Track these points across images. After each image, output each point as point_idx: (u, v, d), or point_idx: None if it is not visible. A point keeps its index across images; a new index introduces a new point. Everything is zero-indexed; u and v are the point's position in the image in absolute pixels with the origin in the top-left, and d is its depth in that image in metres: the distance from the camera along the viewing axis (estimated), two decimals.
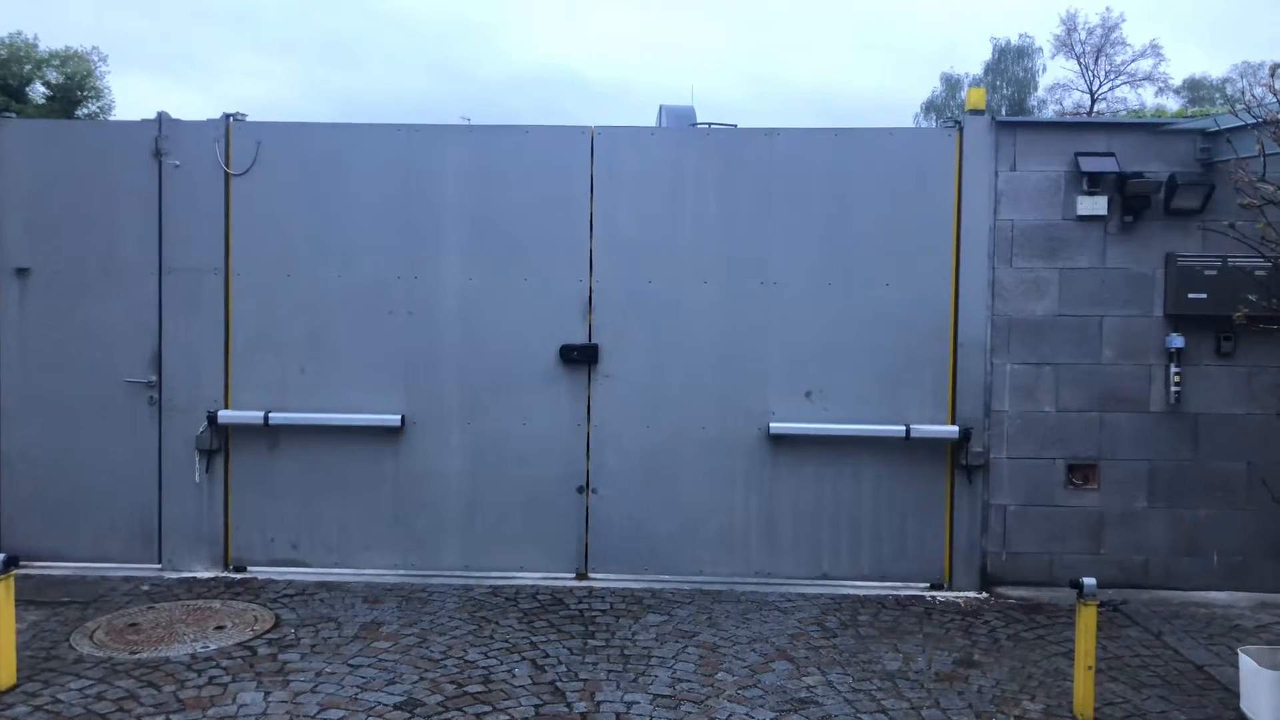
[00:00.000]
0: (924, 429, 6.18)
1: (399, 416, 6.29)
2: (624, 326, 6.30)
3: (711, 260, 6.28)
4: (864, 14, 66.34)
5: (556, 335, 6.29)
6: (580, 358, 6.27)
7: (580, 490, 6.33)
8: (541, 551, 6.37)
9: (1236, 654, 4.57)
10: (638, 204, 6.29)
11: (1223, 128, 5.93)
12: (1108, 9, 50.34)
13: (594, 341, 6.28)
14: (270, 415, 6.27)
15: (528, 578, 6.31)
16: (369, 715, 4.31)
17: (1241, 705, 4.47)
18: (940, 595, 6.19)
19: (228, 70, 61.29)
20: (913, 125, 38.14)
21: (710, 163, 6.28)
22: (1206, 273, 6.09)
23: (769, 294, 6.26)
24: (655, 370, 6.30)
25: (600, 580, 6.30)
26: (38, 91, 31.35)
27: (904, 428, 6.16)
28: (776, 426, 6.21)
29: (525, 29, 69.57)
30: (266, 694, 4.51)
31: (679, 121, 7.20)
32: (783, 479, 6.30)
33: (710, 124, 6.49)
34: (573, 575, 6.35)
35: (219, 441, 6.35)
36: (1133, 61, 47.57)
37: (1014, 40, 48.73)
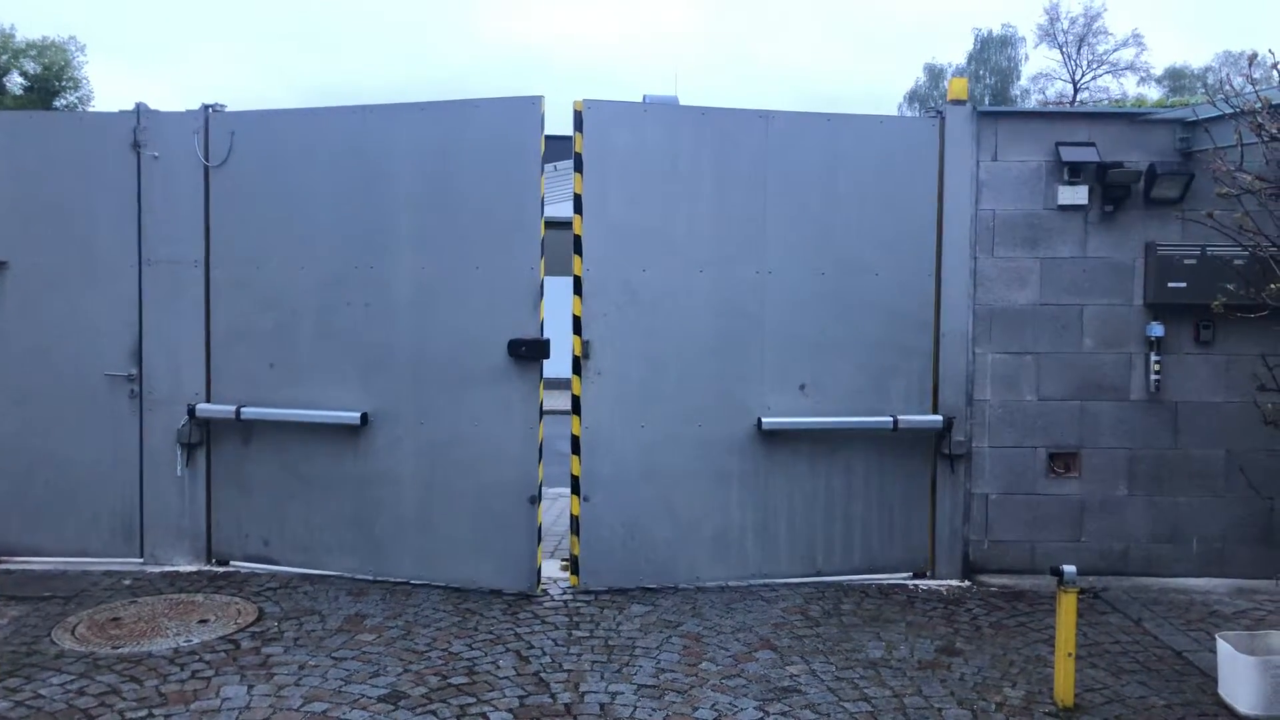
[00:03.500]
0: (911, 419, 6.16)
1: (359, 414, 6.02)
2: (618, 319, 5.92)
3: (707, 247, 5.99)
4: (851, 3, 66.53)
5: (508, 329, 5.83)
6: (529, 353, 5.81)
7: (532, 501, 5.90)
8: (495, 564, 5.94)
9: (1215, 640, 4.61)
10: (629, 185, 5.92)
11: (1201, 118, 5.98)
12: None
13: (585, 337, 5.90)
14: (242, 410, 6.16)
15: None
16: (353, 707, 4.30)
17: (1219, 690, 4.51)
18: (923, 584, 6.22)
19: (198, 59, 61.01)
20: (897, 115, 38.20)
21: (705, 144, 6.00)
22: (1186, 262, 6.12)
23: (764, 283, 6.07)
24: (649, 366, 5.99)
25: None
26: (15, 82, 31.08)
27: (892, 419, 6.12)
28: (769, 421, 6.06)
29: (499, 11, 69.53)
30: (250, 687, 4.50)
31: None
32: (777, 475, 6.15)
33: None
34: (526, 589, 5.89)
35: (200, 435, 6.30)
36: (1115, 51, 47.91)
37: (996, 30, 49.00)
